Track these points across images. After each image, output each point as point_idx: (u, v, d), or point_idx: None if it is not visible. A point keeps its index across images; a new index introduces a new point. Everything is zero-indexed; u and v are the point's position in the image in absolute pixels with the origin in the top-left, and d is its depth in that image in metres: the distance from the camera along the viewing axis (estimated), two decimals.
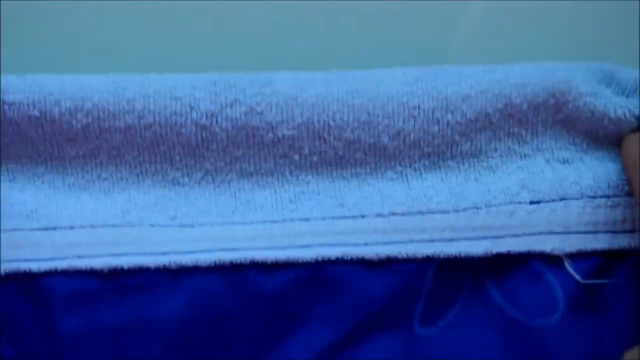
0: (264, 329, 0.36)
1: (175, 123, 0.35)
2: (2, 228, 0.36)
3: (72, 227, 0.36)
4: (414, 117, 0.35)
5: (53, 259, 0.36)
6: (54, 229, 0.36)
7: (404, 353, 0.36)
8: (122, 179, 0.36)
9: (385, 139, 0.35)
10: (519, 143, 0.36)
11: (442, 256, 0.36)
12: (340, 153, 0.36)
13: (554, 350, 0.35)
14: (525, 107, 0.35)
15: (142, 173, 0.36)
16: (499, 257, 0.36)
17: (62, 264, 0.35)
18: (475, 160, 0.36)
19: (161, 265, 0.36)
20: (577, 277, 0.36)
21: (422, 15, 0.39)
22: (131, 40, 0.39)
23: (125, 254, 0.36)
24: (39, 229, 0.36)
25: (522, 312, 0.36)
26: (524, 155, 0.36)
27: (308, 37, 0.38)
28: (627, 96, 0.36)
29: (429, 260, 0.36)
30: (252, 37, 0.39)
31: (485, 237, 0.36)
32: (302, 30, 0.39)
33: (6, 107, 0.34)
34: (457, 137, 0.36)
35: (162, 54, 0.39)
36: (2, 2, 0.39)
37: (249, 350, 0.36)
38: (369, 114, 0.35)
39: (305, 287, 0.36)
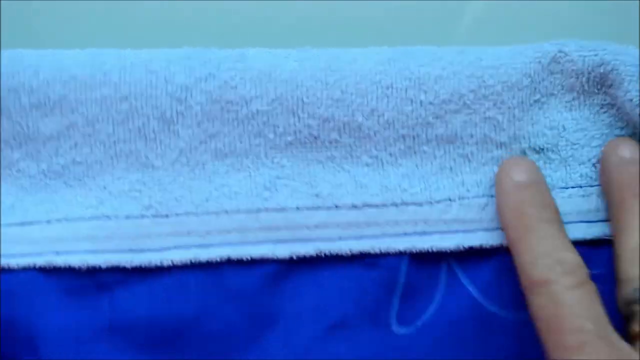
0: (239, 327, 0.35)
1: (151, 95, 0.35)
2: None
3: (48, 222, 0.35)
4: (387, 96, 0.35)
5: (30, 254, 0.35)
6: (31, 223, 0.35)
7: (382, 351, 0.35)
8: (96, 162, 0.36)
9: (359, 118, 0.35)
10: (495, 130, 0.36)
11: (414, 251, 0.35)
12: (315, 133, 0.36)
13: (535, 342, 0.33)
14: (499, 88, 0.35)
15: (116, 155, 0.36)
16: (472, 250, 0.35)
17: (39, 261, 0.35)
18: (451, 146, 0.36)
19: (137, 264, 0.35)
20: None
21: (421, 15, 0.41)
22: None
23: (102, 251, 0.35)
24: (16, 224, 0.35)
25: (500, 306, 0.35)
26: (500, 144, 0.36)
27: (307, 38, 0.39)
28: None
29: (401, 255, 0.35)
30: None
31: (457, 231, 0.35)
32: (301, 31, 0.40)
33: None
34: (431, 119, 0.36)
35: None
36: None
37: (225, 349, 0.35)
38: (342, 92, 0.35)
39: (280, 284, 0.35)
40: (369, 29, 0.41)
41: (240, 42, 0.36)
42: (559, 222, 0.34)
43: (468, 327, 0.35)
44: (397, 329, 0.35)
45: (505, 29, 0.41)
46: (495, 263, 0.35)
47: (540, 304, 0.32)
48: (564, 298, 0.32)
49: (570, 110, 0.36)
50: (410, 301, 0.35)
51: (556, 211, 0.34)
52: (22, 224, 0.35)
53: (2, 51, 0.35)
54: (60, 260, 0.35)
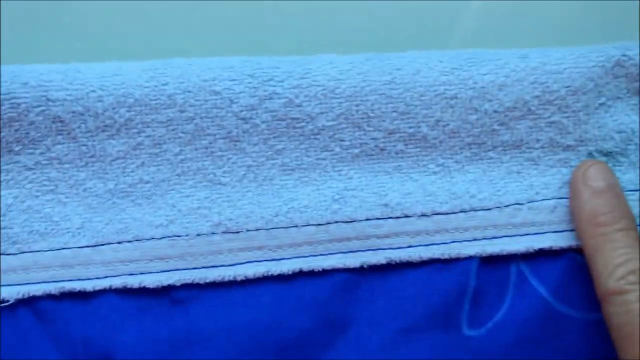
0: (313, 335, 0.36)
1: (216, 116, 0.35)
2: (50, 247, 0.36)
3: (119, 243, 0.36)
4: (452, 106, 0.35)
5: (106, 277, 0.36)
6: (102, 245, 0.36)
7: (453, 353, 0.36)
8: (163, 180, 0.36)
9: (424, 129, 0.36)
10: (561, 134, 0.36)
11: (484, 255, 0.36)
12: (381, 145, 0.36)
13: (605, 343, 0.34)
14: (563, 92, 0.36)
15: (183, 173, 0.36)
16: (541, 251, 0.36)
17: (115, 282, 0.35)
18: (517, 151, 0.36)
19: (211, 280, 0.36)
20: None
21: (422, 15, 0.40)
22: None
23: (175, 270, 0.36)
24: (88, 247, 0.36)
25: (570, 306, 0.36)
26: (567, 147, 0.36)
27: (306, 39, 0.39)
28: None
29: (471, 258, 0.36)
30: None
31: (526, 234, 0.36)
32: (300, 33, 0.40)
33: (50, 103, 0.35)
34: (496, 126, 0.36)
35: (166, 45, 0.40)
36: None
37: (299, 356, 0.36)
38: (406, 105, 0.35)
39: (351, 291, 0.36)
40: (369, 29, 0.41)
41: (240, 43, 0.36)
42: (635, 229, 0.34)
43: (538, 327, 0.36)
44: (468, 331, 0.36)
45: (505, 30, 0.41)
46: (565, 263, 0.36)
47: (614, 313, 0.33)
48: (638, 308, 0.32)
49: (638, 113, 0.36)
50: (480, 304, 0.36)
51: (632, 219, 0.35)
52: (95, 245, 0.36)
53: (65, 67, 0.35)
54: (135, 282, 0.36)
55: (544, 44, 0.37)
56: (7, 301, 0.35)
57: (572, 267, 0.36)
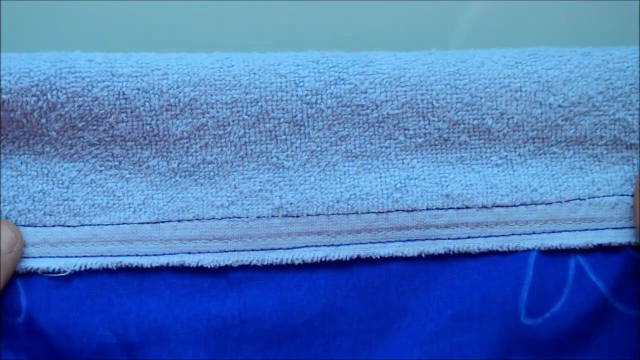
0: (367, 322, 0.36)
1: (281, 99, 0.35)
2: (110, 221, 0.36)
3: (179, 221, 0.36)
4: (516, 99, 0.36)
5: (164, 254, 0.36)
6: (162, 222, 0.36)
7: (509, 340, 0.36)
8: (226, 162, 0.36)
9: (489, 121, 0.36)
10: (625, 131, 0.36)
11: (543, 248, 0.36)
12: (445, 135, 0.36)
13: None
14: (627, 89, 0.36)
15: (246, 155, 0.36)
16: (600, 246, 0.36)
17: (173, 260, 0.36)
18: (580, 147, 0.36)
19: (268, 262, 0.36)
20: None
21: (422, 15, 0.41)
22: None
23: (233, 251, 0.36)
24: (149, 223, 0.36)
25: (626, 303, 0.36)
26: (630, 145, 0.36)
27: (307, 39, 0.39)
28: None
29: (529, 251, 0.36)
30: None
31: (586, 229, 0.36)
32: (301, 33, 0.41)
33: (115, 79, 0.35)
34: (560, 121, 0.36)
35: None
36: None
37: (354, 343, 0.36)
38: (471, 96, 0.35)
39: (407, 280, 0.36)
40: (369, 29, 0.41)
41: (241, 43, 0.37)
42: None
43: (594, 321, 0.36)
44: (525, 320, 0.36)
45: (505, 30, 0.41)
46: (622, 260, 0.36)
47: None
48: None
49: None
50: (539, 294, 0.36)
51: None
52: (155, 222, 0.36)
53: (127, 55, 0.36)
54: (193, 260, 0.36)
55: (544, 44, 0.37)
56: (64, 271, 0.35)
57: (629, 264, 0.36)
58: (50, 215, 0.36)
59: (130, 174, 0.36)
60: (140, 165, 0.36)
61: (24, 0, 0.41)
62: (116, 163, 0.36)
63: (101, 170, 0.36)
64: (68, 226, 0.36)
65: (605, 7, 0.41)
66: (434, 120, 0.36)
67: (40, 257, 0.35)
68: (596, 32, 0.40)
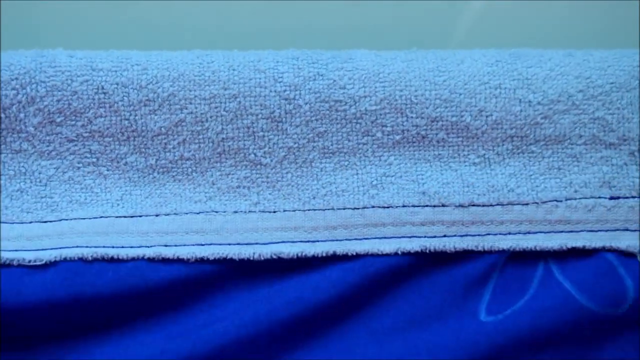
0: (325, 313, 0.36)
1: (260, 95, 0.35)
2: (88, 215, 0.36)
3: (157, 215, 0.36)
4: (496, 96, 0.35)
5: (140, 246, 0.36)
6: (140, 216, 0.36)
7: (468, 337, 0.35)
8: (204, 158, 0.36)
9: (467, 118, 0.36)
10: (604, 130, 0.36)
11: (518, 249, 0.36)
12: (423, 132, 0.36)
13: (621, 337, 0.35)
14: (607, 88, 0.35)
15: (224, 152, 0.36)
16: (573, 250, 0.36)
17: (148, 252, 0.35)
18: (559, 146, 0.36)
19: (245, 257, 0.36)
20: None
21: (422, 15, 0.41)
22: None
23: (211, 244, 0.36)
24: (126, 217, 0.36)
25: (594, 301, 0.35)
26: (609, 145, 0.36)
27: (306, 39, 0.39)
28: None
29: (502, 252, 0.36)
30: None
31: (561, 232, 0.36)
32: (300, 33, 0.41)
33: (94, 73, 0.35)
34: (539, 119, 0.36)
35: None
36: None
37: (311, 331, 0.36)
38: (450, 92, 0.35)
39: (380, 278, 0.36)
40: (369, 29, 0.41)
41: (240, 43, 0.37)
42: None
43: (558, 317, 0.35)
44: (485, 317, 0.36)
45: (505, 30, 0.41)
46: (594, 262, 0.36)
47: None
48: None
49: None
50: (501, 294, 0.36)
51: None
52: (132, 216, 0.36)
53: (111, 51, 0.36)
54: (169, 253, 0.35)
55: (544, 44, 0.37)
56: (41, 261, 0.35)
57: (601, 265, 0.36)
58: (28, 212, 0.36)
59: (108, 170, 0.36)
60: (118, 162, 0.36)
61: (24, 0, 0.41)
62: (94, 160, 0.36)
63: (79, 167, 0.36)
64: (45, 222, 0.36)
65: (605, 7, 0.41)
66: (412, 117, 0.36)
67: (16, 250, 0.35)
68: (596, 32, 0.40)
